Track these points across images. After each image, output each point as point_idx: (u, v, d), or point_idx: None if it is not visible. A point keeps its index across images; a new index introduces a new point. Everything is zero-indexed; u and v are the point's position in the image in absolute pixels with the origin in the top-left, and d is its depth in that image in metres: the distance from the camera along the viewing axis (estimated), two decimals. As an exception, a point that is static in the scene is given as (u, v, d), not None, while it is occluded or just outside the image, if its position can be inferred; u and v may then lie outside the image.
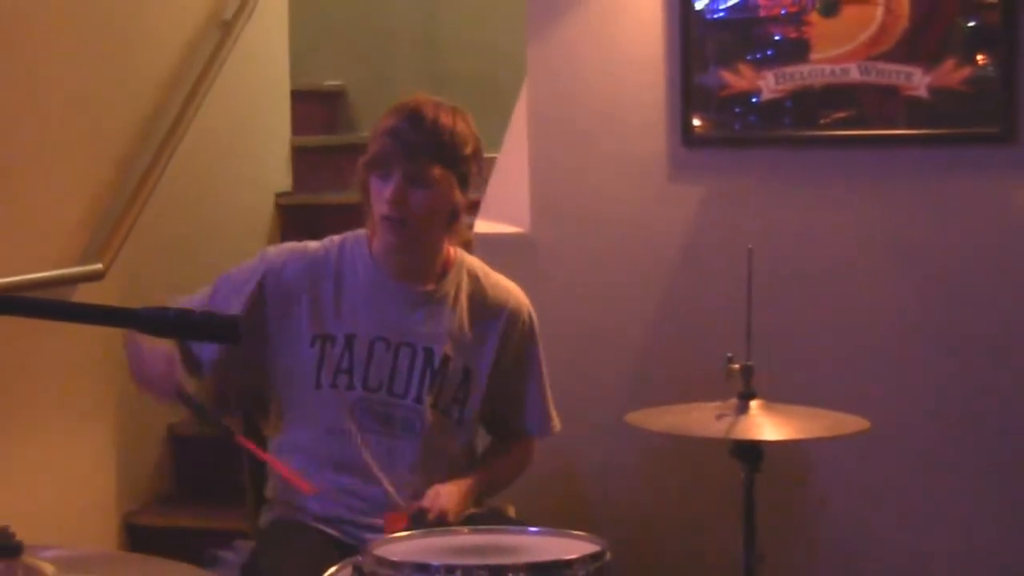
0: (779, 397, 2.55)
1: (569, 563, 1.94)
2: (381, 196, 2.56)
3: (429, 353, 2.62)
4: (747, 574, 2.52)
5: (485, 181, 3.51)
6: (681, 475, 3.34)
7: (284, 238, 2.89)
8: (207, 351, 2.57)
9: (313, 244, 2.69)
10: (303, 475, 2.61)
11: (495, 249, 3.15)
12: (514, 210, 3.44)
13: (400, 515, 2.46)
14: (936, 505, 3.25)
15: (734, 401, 2.50)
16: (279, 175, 4.59)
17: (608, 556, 1.98)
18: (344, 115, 5.30)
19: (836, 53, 3.17)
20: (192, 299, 2.62)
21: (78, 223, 3.52)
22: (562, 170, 3.40)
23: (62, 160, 3.46)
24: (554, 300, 3.20)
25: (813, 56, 3.19)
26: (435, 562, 1.93)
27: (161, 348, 2.49)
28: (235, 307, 2.59)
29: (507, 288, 2.72)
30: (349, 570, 2.03)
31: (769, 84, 3.22)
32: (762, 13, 3.21)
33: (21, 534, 1.58)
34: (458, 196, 2.60)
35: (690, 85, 3.27)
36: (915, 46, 3.13)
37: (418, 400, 2.61)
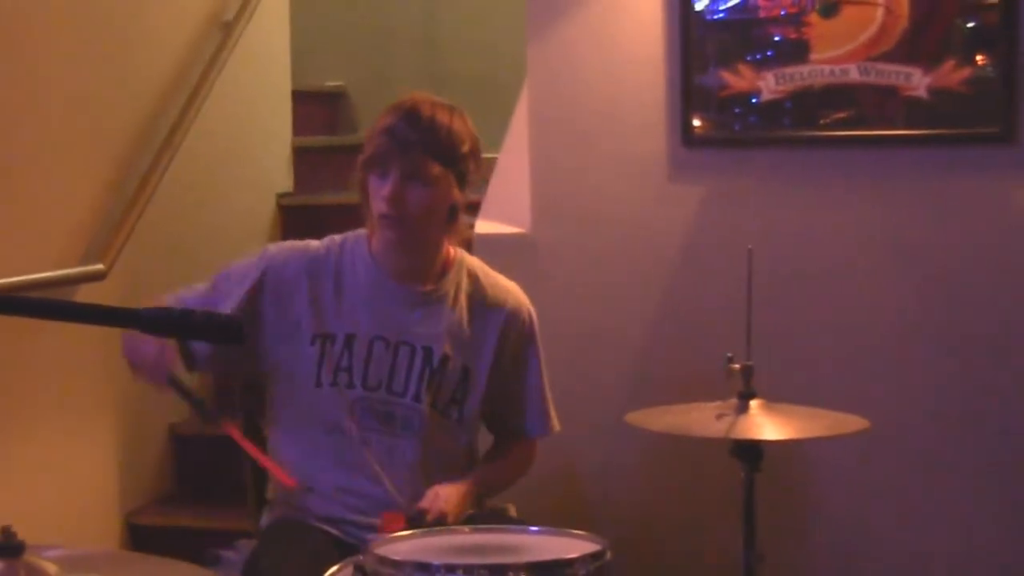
0: (779, 397, 2.55)
1: (570, 562, 1.94)
2: (379, 194, 2.56)
3: (428, 352, 2.62)
4: (747, 574, 2.52)
5: (486, 181, 3.52)
6: (681, 475, 3.34)
7: (285, 239, 2.89)
8: (201, 344, 2.57)
9: (314, 243, 2.70)
10: (301, 473, 2.62)
11: (496, 249, 3.16)
12: (515, 210, 3.44)
13: (397, 515, 2.46)
14: (936, 505, 3.25)
15: (734, 401, 2.50)
16: (280, 176, 4.60)
17: (608, 555, 1.99)
18: (345, 116, 5.31)
19: (836, 54, 3.18)
20: (192, 291, 2.63)
21: (79, 223, 3.52)
22: (562, 170, 3.41)
23: (63, 160, 3.47)
24: (554, 300, 3.20)
25: (813, 57, 3.20)
26: (436, 561, 1.93)
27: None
28: (234, 300, 2.59)
29: (507, 288, 2.72)
30: (350, 569, 2.04)
31: (769, 85, 3.23)
32: (762, 14, 3.22)
33: (23, 534, 1.59)
34: (456, 194, 2.60)
35: (690, 85, 3.27)
36: (915, 47, 3.14)
37: (417, 399, 2.62)
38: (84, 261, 3.46)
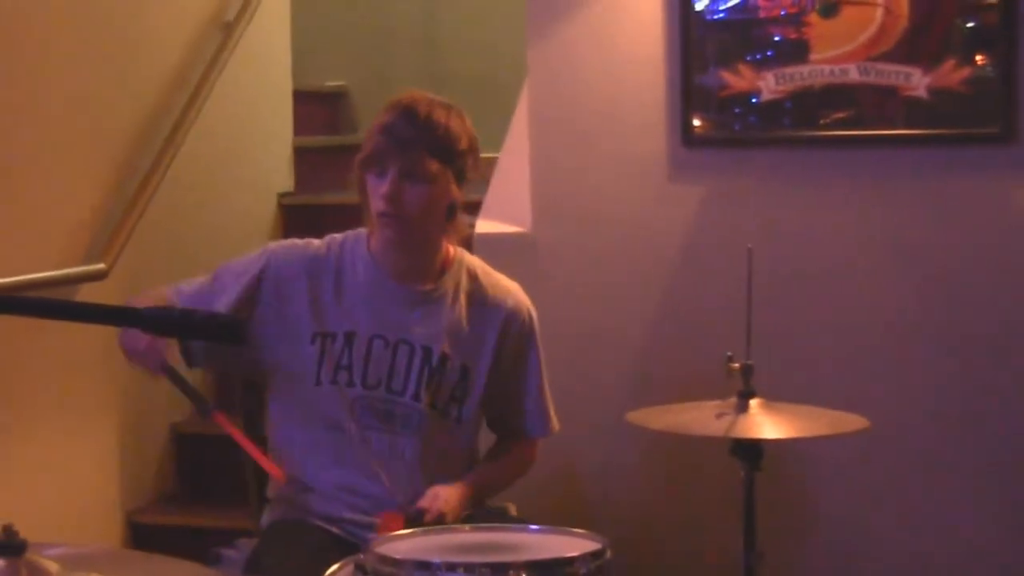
0: (779, 397, 2.56)
1: (570, 560, 1.95)
2: (377, 193, 2.57)
3: (427, 351, 2.63)
4: (747, 572, 2.52)
5: (486, 181, 3.52)
6: (681, 475, 3.35)
7: (286, 238, 2.90)
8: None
9: (315, 242, 2.70)
10: (302, 472, 2.63)
11: (496, 249, 3.16)
12: (515, 210, 3.44)
13: (395, 515, 2.46)
14: (936, 505, 3.25)
15: (734, 400, 2.50)
16: (281, 176, 4.60)
17: (608, 554, 1.99)
18: (346, 115, 5.32)
19: (835, 54, 3.18)
20: (192, 284, 2.64)
21: (81, 223, 3.53)
22: (563, 170, 3.41)
23: (64, 160, 3.47)
24: (554, 299, 3.21)
25: (813, 57, 3.20)
26: (437, 560, 1.93)
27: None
28: (230, 294, 2.60)
29: (506, 287, 2.72)
30: (351, 568, 2.04)
31: (769, 84, 3.23)
32: (762, 14, 3.22)
33: (24, 533, 1.59)
34: (455, 191, 2.60)
35: (690, 85, 3.28)
36: (914, 47, 3.14)
37: (416, 398, 2.62)
38: (85, 260, 3.46)
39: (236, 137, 4.28)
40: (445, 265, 2.68)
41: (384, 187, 2.55)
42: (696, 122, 3.29)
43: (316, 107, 5.10)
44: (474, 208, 3.46)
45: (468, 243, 2.80)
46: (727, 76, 3.25)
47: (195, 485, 3.92)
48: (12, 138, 3.28)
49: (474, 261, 2.74)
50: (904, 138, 3.20)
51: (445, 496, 2.54)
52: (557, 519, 2.32)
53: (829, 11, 3.18)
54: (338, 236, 2.71)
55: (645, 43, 3.32)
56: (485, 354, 2.66)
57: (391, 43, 5.40)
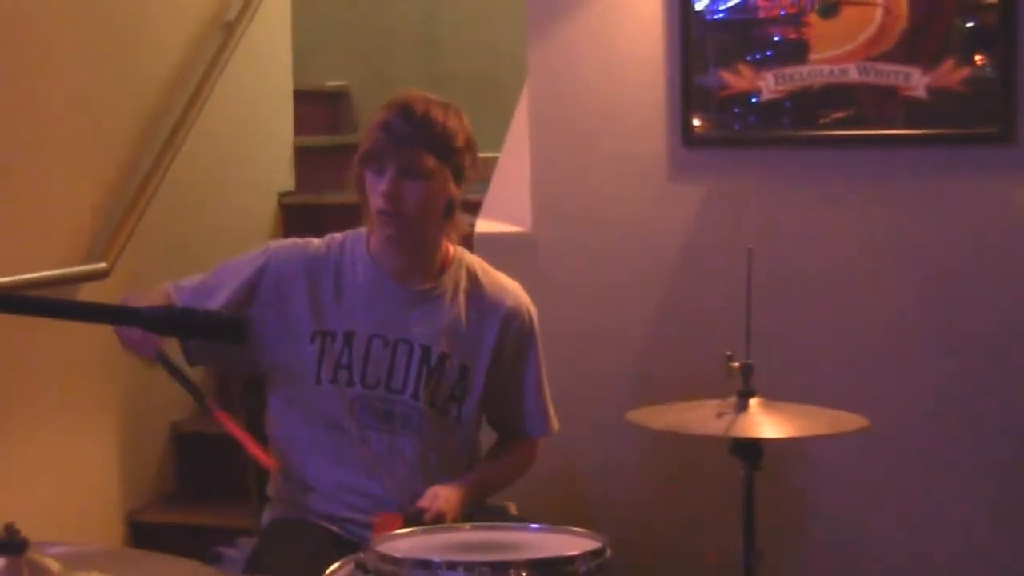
0: (779, 397, 2.56)
1: (570, 559, 1.95)
2: (376, 190, 2.57)
3: (426, 351, 2.63)
4: (746, 571, 2.52)
5: (486, 181, 3.53)
6: (681, 474, 3.35)
7: (287, 237, 2.90)
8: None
9: (315, 241, 2.71)
10: (303, 470, 2.63)
11: (496, 248, 3.17)
12: (515, 210, 3.45)
13: (393, 516, 2.46)
14: (936, 505, 3.26)
15: (734, 399, 2.50)
16: (282, 175, 4.61)
17: (608, 553, 1.99)
18: (346, 115, 5.32)
19: (835, 54, 3.18)
20: (191, 280, 2.64)
21: (82, 222, 3.53)
22: (563, 170, 3.41)
23: (66, 160, 3.48)
24: (554, 299, 3.21)
25: (812, 57, 3.20)
26: (437, 558, 1.93)
27: (144, 301, 2.51)
28: (228, 291, 2.60)
29: (506, 286, 2.72)
30: (351, 567, 2.04)
31: (769, 84, 3.24)
32: (761, 14, 3.22)
33: (25, 532, 1.60)
34: (453, 188, 2.60)
35: (690, 85, 3.28)
36: (914, 47, 3.15)
37: (415, 396, 2.62)
38: (86, 260, 3.47)
39: (237, 137, 4.29)
40: (444, 264, 2.68)
41: (382, 185, 2.55)
42: (696, 122, 3.29)
43: (317, 107, 5.10)
44: (474, 208, 3.47)
45: (468, 243, 2.80)
46: (727, 76, 3.26)
47: (195, 484, 3.92)
48: (13, 138, 3.29)
49: (474, 260, 2.74)
50: (903, 138, 3.20)
51: (445, 496, 2.55)
52: (557, 518, 2.32)
53: (829, 11, 3.19)
54: (338, 235, 2.72)
55: (645, 43, 3.32)
56: (484, 353, 2.67)
57: (391, 43, 5.41)
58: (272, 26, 4.51)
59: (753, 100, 3.25)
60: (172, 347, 2.61)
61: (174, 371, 2.57)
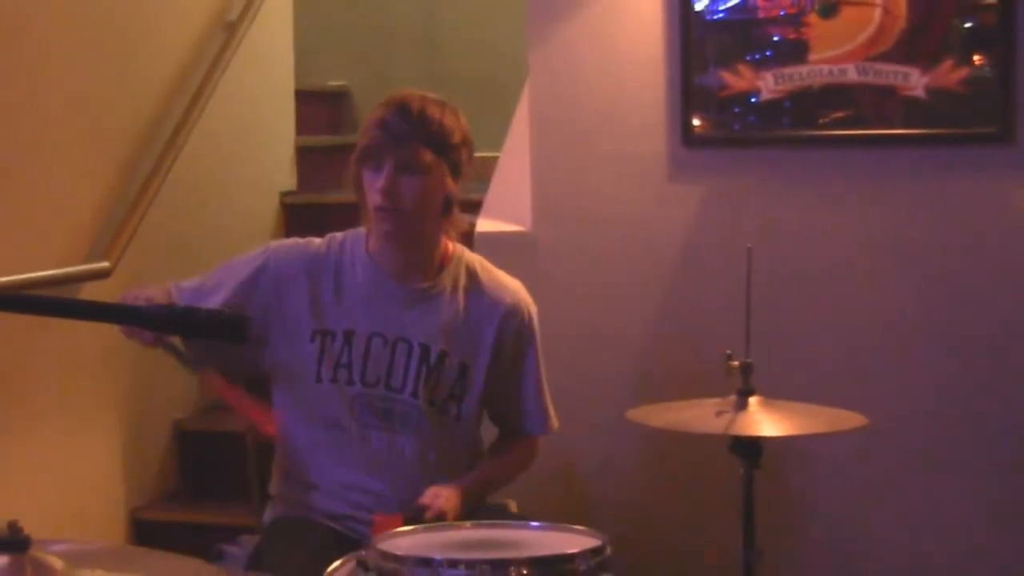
0: (778, 395, 2.57)
1: (571, 557, 1.95)
2: (374, 187, 2.58)
3: (425, 349, 2.63)
4: (746, 570, 2.53)
5: (486, 180, 3.54)
6: (681, 472, 3.36)
7: (289, 237, 2.91)
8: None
9: (316, 241, 2.71)
10: (305, 469, 2.64)
11: (496, 247, 3.17)
12: (516, 209, 3.46)
13: (392, 517, 2.47)
14: (936, 505, 3.26)
15: (733, 398, 2.51)
16: (283, 175, 4.61)
17: (608, 550, 2.00)
18: (348, 115, 5.33)
19: (834, 54, 3.19)
20: (193, 281, 2.65)
21: (84, 222, 3.54)
22: (563, 170, 3.42)
23: (68, 160, 3.48)
24: (555, 298, 3.22)
25: (812, 57, 3.21)
26: (439, 556, 1.94)
27: (145, 294, 2.52)
28: (227, 290, 2.60)
29: (505, 284, 2.72)
30: (353, 565, 2.05)
31: (768, 84, 3.24)
32: (761, 14, 3.23)
33: (28, 530, 1.60)
34: (450, 184, 2.61)
35: (690, 85, 3.29)
36: (913, 47, 3.15)
37: (414, 395, 2.63)
38: (88, 259, 3.48)
39: (239, 137, 4.30)
40: (444, 261, 2.69)
41: (380, 181, 2.56)
42: (696, 122, 3.30)
43: (318, 107, 5.11)
44: (475, 207, 3.48)
45: (469, 242, 2.80)
46: (727, 76, 3.27)
47: (197, 482, 3.93)
48: (14, 138, 3.29)
49: (474, 258, 2.74)
50: (902, 138, 3.21)
51: (446, 496, 2.55)
52: (557, 516, 2.33)
53: (828, 11, 3.19)
54: (338, 235, 2.72)
55: (645, 43, 3.33)
56: (484, 351, 2.67)
57: (392, 43, 5.42)
58: (274, 26, 4.52)
59: (753, 100, 3.26)
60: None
61: (173, 350, 2.57)
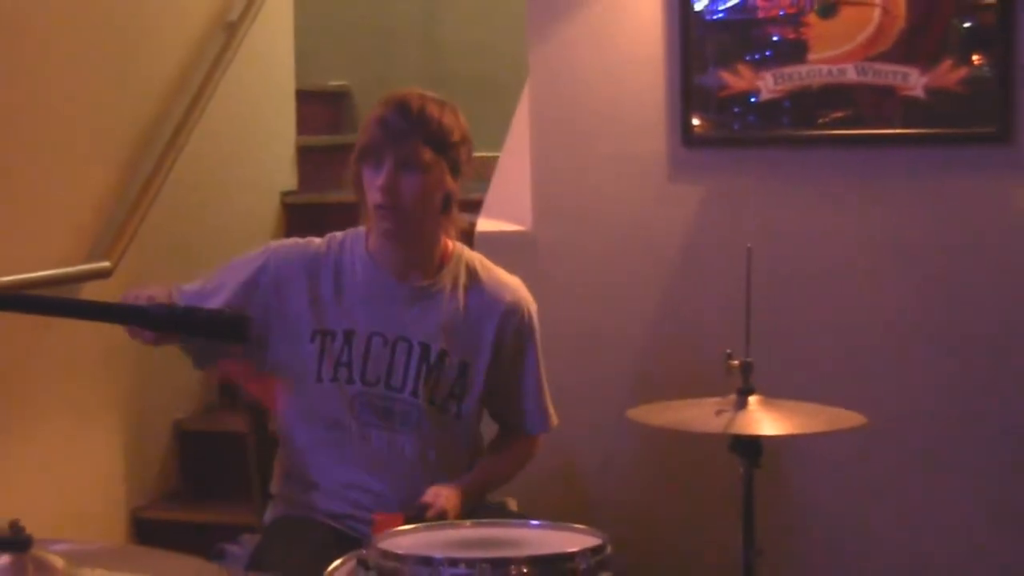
0: (778, 395, 2.57)
1: (571, 556, 1.95)
2: (374, 185, 2.58)
3: (425, 348, 2.64)
4: (746, 569, 2.53)
5: (486, 180, 3.54)
6: (681, 472, 3.36)
7: (289, 237, 2.92)
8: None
9: (316, 240, 2.72)
10: (306, 468, 2.64)
11: (496, 247, 3.17)
12: (516, 209, 3.46)
13: (392, 517, 2.47)
14: (935, 505, 3.26)
15: (733, 397, 2.51)
16: (284, 175, 4.62)
17: (608, 549, 2.00)
18: (348, 115, 5.34)
19: (834, 54, 3.20)
20: (194, 282, 2.65)
21: (85, 222, 3.54)
22: (563, 170, 3.43)
23: (68, 159, 3.49)
24: (555, 298, 3.22)
25: (811, 57, 3.22)
26: (438, 555, 1.94)
27: (146, 293, 2.53)
28: (228, 291, 2.61)
29: (505, 283, 2.72)
30: (353, 564, 2.05)
31: (768, 84, 3.25)
32: (761, 14, 3.24)
33: (30, 530, 1.61)
34: (450, 182, 2.61)
35: (690, 85, 3.29)
36: (912, 47, 3.16)
37: (414, 394, 2.63)
38: (89, 259, 3.48)
39: (239, 137, 4.30)
40: (443, 259, 2.69)
41: (380, 179, 2.57)
42: (696, 122, 3.31)
43: (319, 107, 5.12)
44: (475, 207, 3.48)
45: (469, 241, 2.81)
46: (726, 76, 3.27)
47: (198, 482, 3.93)
48: (14, 138, 3.30)
49: (474, 256, 2.75)
50: (901, 138, 3.21)
51: (447, 496, 2.55)
52: (557, 515, 2.33)
53: (827, 11, 3.20)
54: (338, 234, 2.73)
55: (645, 43, 3.33)
56: (484, 349, 2.67)
57: (392, 43, 5.43)
58: (274, 26, 4.52)
59: (752, 100, 3.27)
60: (173, 348, 2.62)
61: (180, 346, 2.58)
